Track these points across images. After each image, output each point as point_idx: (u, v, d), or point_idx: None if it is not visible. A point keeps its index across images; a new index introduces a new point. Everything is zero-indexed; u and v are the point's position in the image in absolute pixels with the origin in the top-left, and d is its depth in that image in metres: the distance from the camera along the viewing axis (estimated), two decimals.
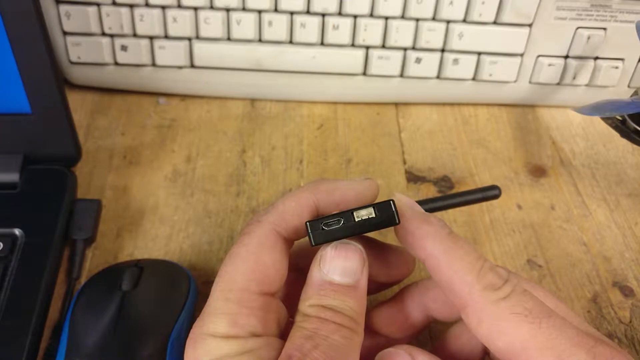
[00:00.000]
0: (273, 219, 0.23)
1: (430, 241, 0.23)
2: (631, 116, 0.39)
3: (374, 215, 0.22)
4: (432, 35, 0.41)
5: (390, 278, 0.27)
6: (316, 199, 0.24)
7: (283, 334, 0.23)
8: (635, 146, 0.42)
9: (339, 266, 0.22)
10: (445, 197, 0.28)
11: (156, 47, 0.42)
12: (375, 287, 0.27)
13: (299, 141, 0.42)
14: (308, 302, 0.22)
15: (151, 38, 0.41)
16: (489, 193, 0.28)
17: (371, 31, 0.41)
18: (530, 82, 0.44)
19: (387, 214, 0.23)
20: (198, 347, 0.21)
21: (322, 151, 0.41)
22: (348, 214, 0.22)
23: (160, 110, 0.44)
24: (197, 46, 0.42)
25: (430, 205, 0.29)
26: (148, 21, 0.40)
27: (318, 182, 0.25)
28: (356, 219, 0.22)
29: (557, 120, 0.45)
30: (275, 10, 0.40)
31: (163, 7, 0.40)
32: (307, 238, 0.23)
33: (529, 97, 0.45)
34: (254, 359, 0.20)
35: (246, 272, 0.22)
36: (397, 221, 0.22)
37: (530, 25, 0.41)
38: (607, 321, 0.33)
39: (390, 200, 0.23)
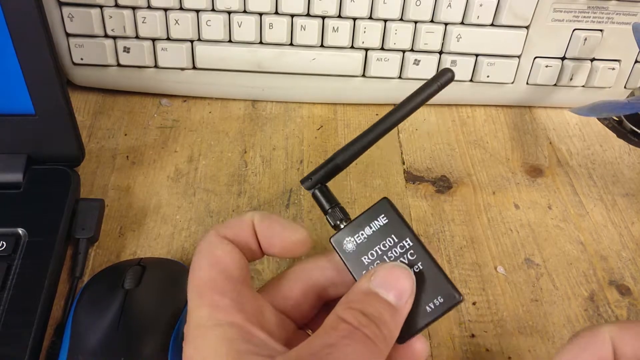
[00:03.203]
0: (217, 227, 0.26)
1: None
2: (628, 117, 0.39)
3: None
4: (431, 37, 0.42)
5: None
6: (253, 214, 0.26)
7: (271, 333, 0.23)
8: (631, 146, 0.43)
9: (390, 284, 0.23)
10: (404, 102, 0.26)
11: (158, 49, 0.42)
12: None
13: (299, 142, 0.42)
14: (347, 305, 0.23)
15: (153, 40, 0.42)
16: (443, 79, 0.27)
17: (370, 33, 0.41)
18: (527, 83, 0.44)
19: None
20: (189, 339, 0.23)
21: (322, 151, 0.42)
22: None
23: (163, 111, 0.44)
24: (199, 48, 0.42)
25: (398, 114, 0.26)
26: (150, 23, 0.41)
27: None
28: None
29: (554, 121, 0.46)
30: (276, 12, 0.41)
31: (165, 10, 0.41)
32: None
33: (526, 98, 0.45)
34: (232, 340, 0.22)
35: (206, 266, 0.24)
36: None
37: (527, 27, 0.42)
38: (604, 320, 0.33)
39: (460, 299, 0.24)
